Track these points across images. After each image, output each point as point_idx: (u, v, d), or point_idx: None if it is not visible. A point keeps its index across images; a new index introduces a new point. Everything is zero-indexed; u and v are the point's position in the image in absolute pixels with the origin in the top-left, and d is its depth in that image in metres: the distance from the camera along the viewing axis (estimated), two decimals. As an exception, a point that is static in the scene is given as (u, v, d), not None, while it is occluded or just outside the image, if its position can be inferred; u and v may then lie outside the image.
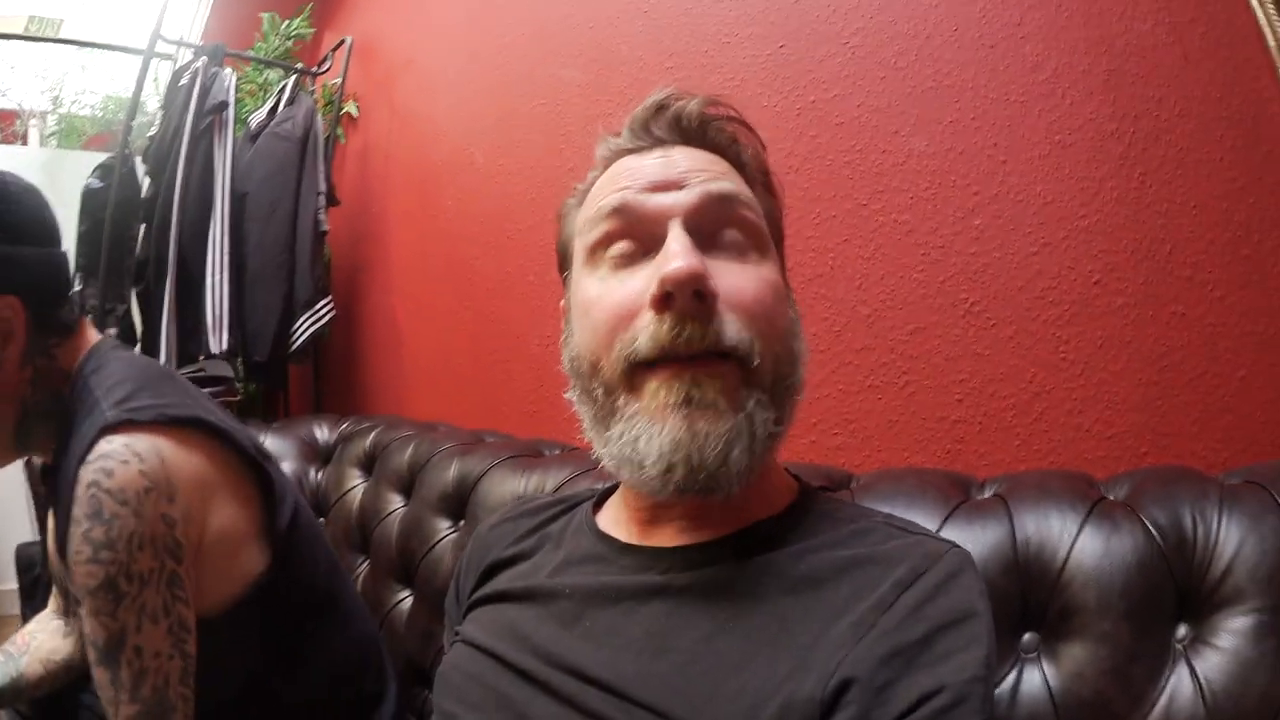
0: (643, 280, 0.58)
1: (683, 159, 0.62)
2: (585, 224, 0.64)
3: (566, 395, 0.66)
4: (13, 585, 1.95)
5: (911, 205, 1.11)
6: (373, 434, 1.60)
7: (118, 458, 0.80)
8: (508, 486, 1.21)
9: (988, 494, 0.82)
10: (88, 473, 0.80)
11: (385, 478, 1.45)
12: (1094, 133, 0.93)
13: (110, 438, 0.81)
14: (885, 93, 1.14)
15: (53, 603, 1.18)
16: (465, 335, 1.98)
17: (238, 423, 0.97)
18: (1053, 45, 0.97)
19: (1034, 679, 0.66)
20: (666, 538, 0.63)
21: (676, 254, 0.56)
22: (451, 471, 1.30)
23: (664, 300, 0.55)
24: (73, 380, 0.93)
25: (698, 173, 0.61)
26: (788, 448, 1.20)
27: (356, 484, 1.53)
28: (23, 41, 3.06)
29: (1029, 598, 0.68)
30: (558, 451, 1.31)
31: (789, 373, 0.60)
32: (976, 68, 1.04)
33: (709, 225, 0.60)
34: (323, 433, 1.74)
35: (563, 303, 0.70)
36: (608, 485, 0.75)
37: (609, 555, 0.65)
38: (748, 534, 0.60)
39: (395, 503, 1.40)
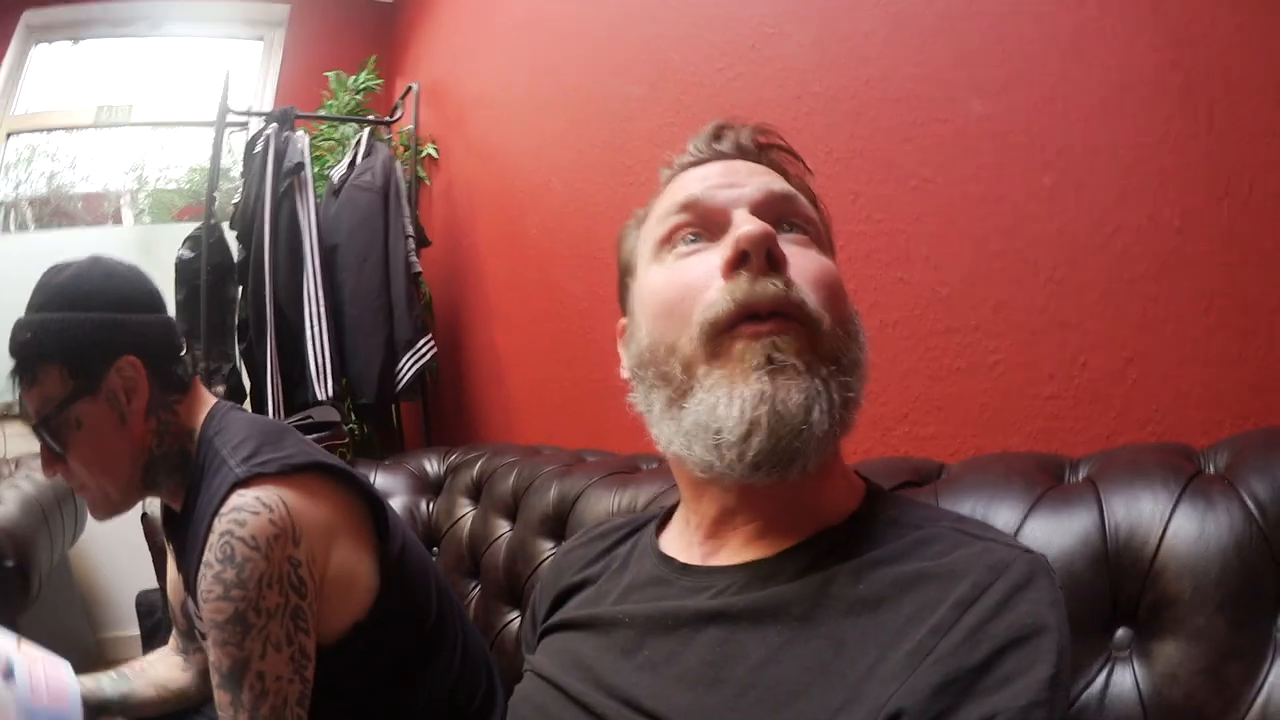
0: (713, 259, 0.60)
1: (744, 168, 0.66)
2: (653, 223, 0.67)
3: (630, 398, 0.66)
4: (135, 631, 2.11)
5: (978, 173, 1.04)
6: (479, 462, 1.64)
7: (249, 509, 0.88)
8: (603, 505, 1.21)
9: (1080, 475, 0.76)
10: (221, 523, 0.88)
11: (492, 504, 1.49)
12: (1152, 65, 0.84)
13: (241, 492, 0.90)
14: (934, 59, 1.08)
15: (172, 641, 1.28)
16: (562, 356, 2.01)
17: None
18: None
19: (1125, 680, 0.59)
20: (728, 554, 0.61)
21: (747, 219, 0.58)
22: (551, 493, 1.32)
23: (739, 260, 0.57)
24: (198, 441, 1.03)
25: (760, 175, 0.65)
26: (881, 442, 1.17)
27: (466, 512, 1.58)
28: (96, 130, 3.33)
29: (1120, 591, 0.62)
30: (655, 465, 1.30)
31: (857, 354, 0.60)
32: (1020, 16, 0.97)
33: (773, 219, 0.61)
34: (432, 465, 1.81)
35: (621, 323, 0.72)
36: (673, 504, 0.74)
37: (669, 578, 0.64)
38: (809, 547, 0.58)
39: (502, 527, 1.44)
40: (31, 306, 1.01)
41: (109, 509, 1.05)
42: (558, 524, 1.29)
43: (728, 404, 0.54)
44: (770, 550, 0.58)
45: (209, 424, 1.04)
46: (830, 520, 0.59)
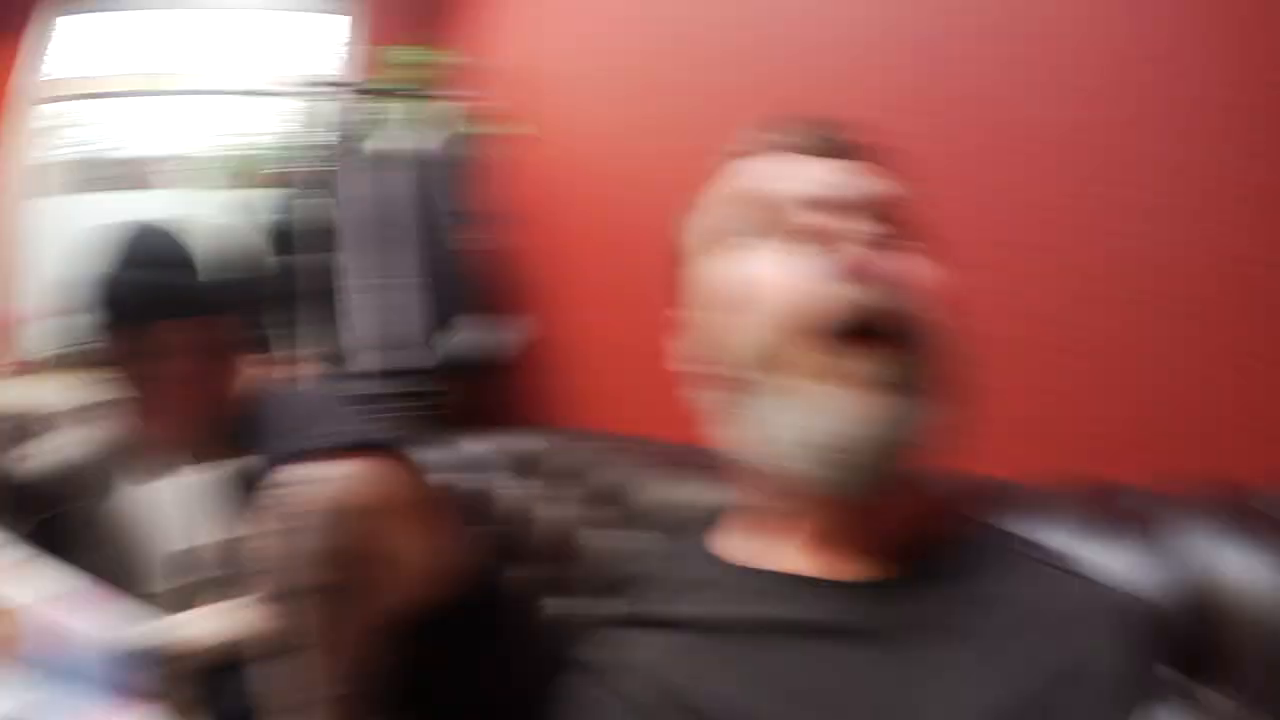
0: (823, 261, 0.56)
1: (842, 166, 0.62)
2: (746, 209, 0.63)
3: (695, 393, 0.65)
4: (175, 586, 2.13)
5: (1077, 187, 1.02)
6: (562, 446, 1.62)
7: (313, 481, 0.88)
8: (686, 494, 1.18)
9: (1148, 509, 0.75)
10: (282, 494, 0.88)
11: (578, 491, 1.43)
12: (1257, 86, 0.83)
13: (306, 463, 0.89)
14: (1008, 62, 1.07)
15: (213, 598, 1.29)
16: (644, 341, 1.96)
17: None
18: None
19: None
20: (829, 568, 0.60)
21: (862, 222, 0.57)
22: (632, 479, 1.31)
23: (858, 269, 0.55)
24: (264, 404, 1.07)
25: (865, 175, 0.62)
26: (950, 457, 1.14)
27: (534, 494, 1.52)
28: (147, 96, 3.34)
29: (1178, 635, 0.60)
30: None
31: (958, 374, 0.58)
32: (1112, 22, 0.96)
33: (885, 218, 0.59)
34: (509, 445, 1.74)
35: (684, 311, 0.69)
36: (731, 507, 0.72)
37: (726, 580, 0.64)
38: (897, 567, 0.58)
39: (588, 516, 1.37)
40: (155, 261, 1.07)
41: (174, 453, 1.11)
42: (625, 509, 1.27)
43: (832, 417, 0.53)
44: (880, 571, 0.58)
45: (275, 390, 1.09)
46: (920, 542, 0.59)
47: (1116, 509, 0.76)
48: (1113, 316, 0.98)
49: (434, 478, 1.04)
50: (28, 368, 2.72)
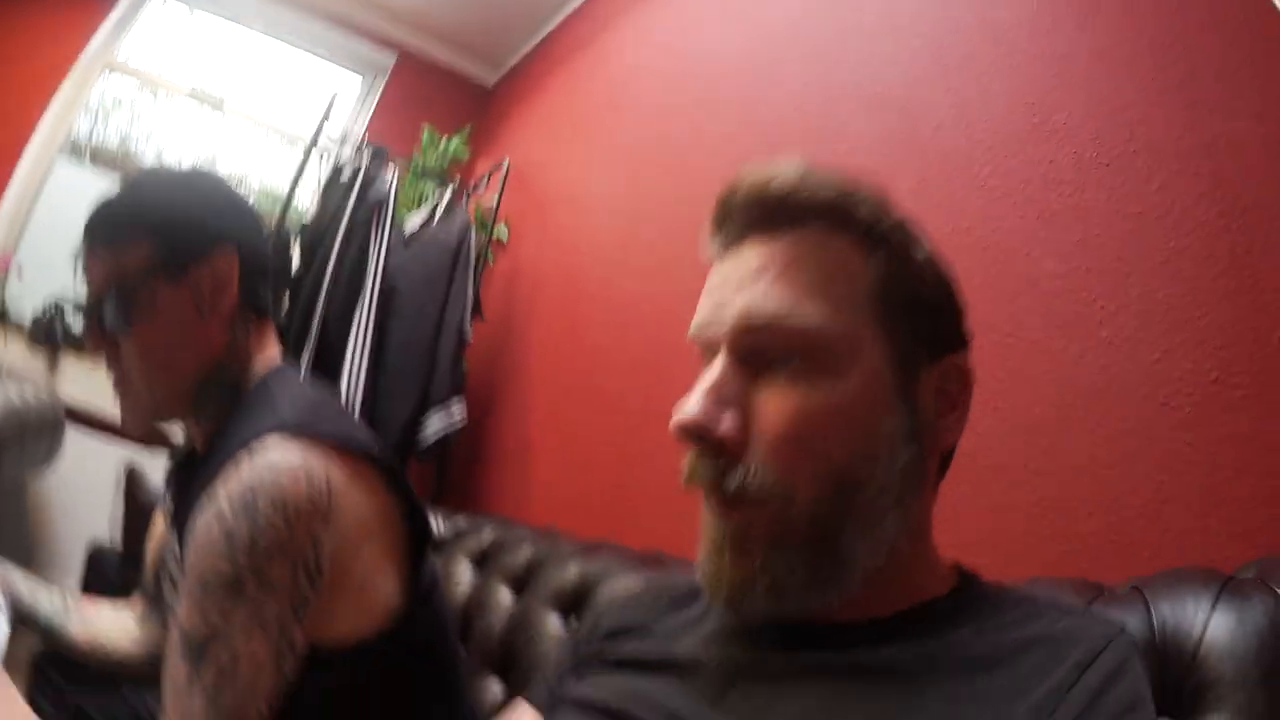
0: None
1: (736, 276, 0.58)
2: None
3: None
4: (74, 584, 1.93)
5: (1044, 325, 1.13)
6: (488, 530, 1.64)
7: (287, 465, 0.77)
8: (632, 582, 1.18)
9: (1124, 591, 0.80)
10: (252, 470, 0.77)
11: (500, 573, 1.46)
12: (1204, 233, 0.98)
13: (286, 444, 0.79)
14: (1017, 218, 1.21)
15: (134, 606, 1.18)
16: (602, 457, 2.01)
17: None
18: (1160, 155, 1.04)
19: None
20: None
21: (690, 397, 0.55)
22: (570, 570, 1.30)
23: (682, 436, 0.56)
24: (256, 382, 0.95)
25: (748, 288, 0.57)
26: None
27: (466, 577, 1.55)
28: (188, 111, 3.38)
29: (1168, 681, 0.65)
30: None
31: (852, 503, 0.54)
32: (1095, 187, 1.11)
33: (755, 351, 0.56)
34: (437, 524, 1.77)
35: None
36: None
37: (760, 628, 0.59)
38: (914, 614, 0.56)
39: (507, 598, 1.41)
40: (132, 186, 0.97)
41: (141, 417, 0.97)
42: (575, 601, 1.26)
43: (705, 558, 0.57)
44: (872, 613, 0.57)
45: (275, 372, 0.97)
46: (931, 593, 0.59)
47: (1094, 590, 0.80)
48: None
49: (424, 522, 0.92)
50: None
